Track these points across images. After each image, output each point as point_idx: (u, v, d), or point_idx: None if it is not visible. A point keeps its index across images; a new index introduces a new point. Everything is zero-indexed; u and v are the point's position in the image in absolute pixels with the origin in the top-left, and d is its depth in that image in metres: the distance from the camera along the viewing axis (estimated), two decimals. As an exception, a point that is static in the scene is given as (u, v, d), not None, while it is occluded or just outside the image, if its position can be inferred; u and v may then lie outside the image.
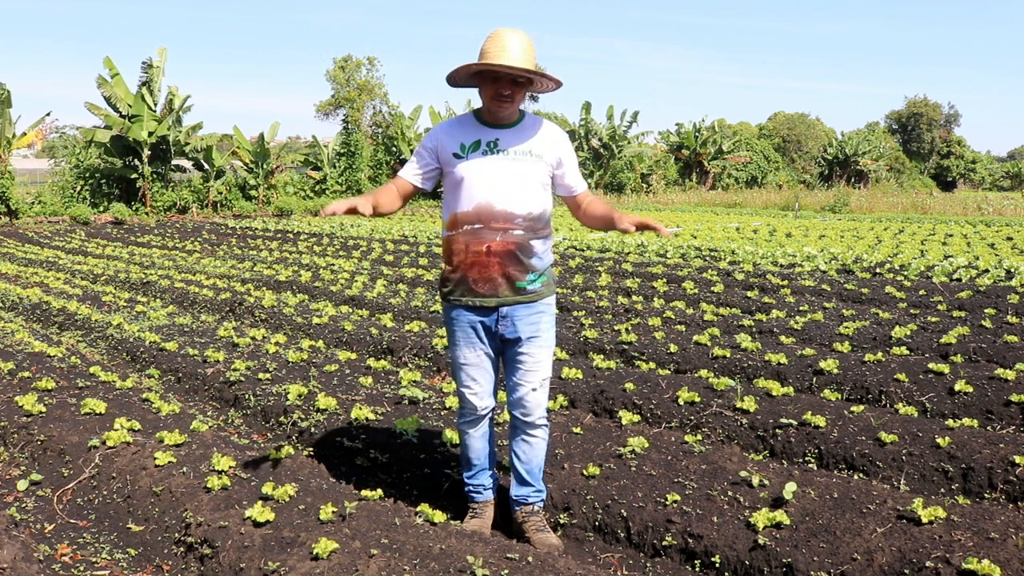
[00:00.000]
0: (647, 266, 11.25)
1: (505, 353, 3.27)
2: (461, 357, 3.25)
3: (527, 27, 3.08)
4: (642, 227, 2.98)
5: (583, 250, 13.78)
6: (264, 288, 9.99)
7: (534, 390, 3.25)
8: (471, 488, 3.47)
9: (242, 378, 5.52)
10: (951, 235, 18.48)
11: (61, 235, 19.82)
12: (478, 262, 3.10)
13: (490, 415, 3.39)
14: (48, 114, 26.88)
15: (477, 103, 3.23)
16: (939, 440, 3.86)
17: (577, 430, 4.27)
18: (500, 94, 3.03)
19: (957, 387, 4.68)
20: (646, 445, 3.97)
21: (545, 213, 3.19)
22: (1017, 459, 3.61)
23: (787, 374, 5.34)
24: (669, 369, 5.72)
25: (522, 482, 3.40)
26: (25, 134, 25.37)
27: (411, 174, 3.27)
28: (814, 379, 5.21)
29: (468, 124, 3.17)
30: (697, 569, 3.20)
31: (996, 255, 13.30)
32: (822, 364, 5.26)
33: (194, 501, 3.42)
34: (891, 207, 31.43)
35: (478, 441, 3.39)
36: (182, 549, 3.24)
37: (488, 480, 3.48)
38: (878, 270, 10.69)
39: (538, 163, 3.14)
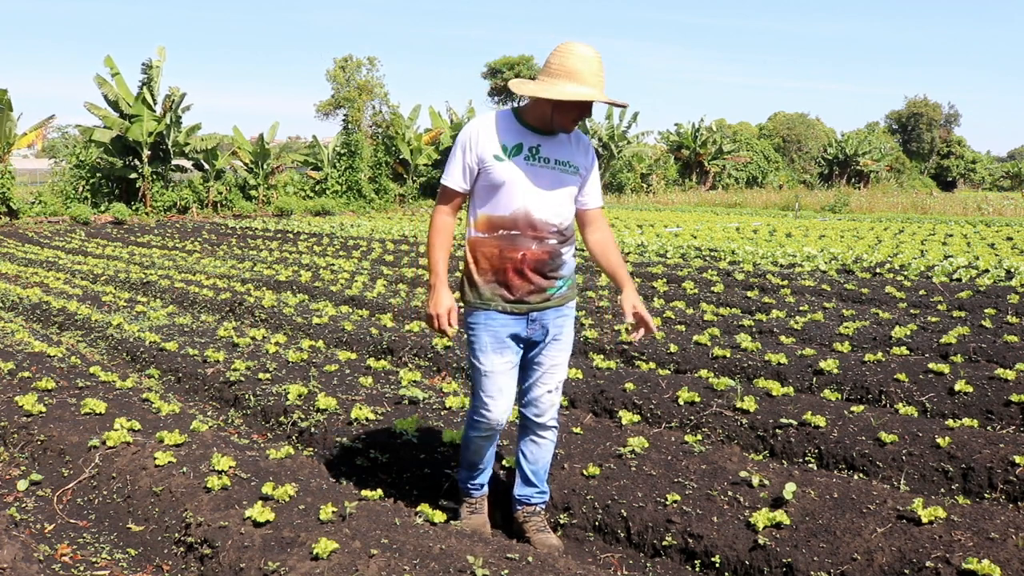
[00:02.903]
0: (647, 266, 11.25)
1: (525, 355, 3.24)
2: (488, 364, 3.13)
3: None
4: (638, 320, 3.17)
5: (582, 250, 13.77)
6: (264, 288, 9.99)
7: (550, 392, 3.24)
8: (471, 486, 3.47)
9: (242, 378, 5.52)
10: (951, 235, 18.48)
11: (61, 235, 19.82)
12: (513, 268, 3.05)
13: (503, 427, 3.30)
14: (52, 117, 26.72)
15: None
16: (939, 440, 3.85)
17: (577, 430, 4.27)
18: (581, 117, 2.99)
19: (957, 387, 4.68)
20: (646, 445, 3.97)
21: (572, 222, 3.19)
22: (1017, 459, 3.61)
23: (787, 374, 5.34)
24: (669, 369, 5.72)
25: (527, 482, 3.40)
26: (25, 134, 25.36)
27: (460, 182, 3.06)
28: (814, 379, 5.21)
29: (509, 124, 3.06)
30: (697, 569, 3.20)
31: (996, 255, 13.30)
32: (822, 364, 5.26)
33: (194, 501, 3.42)
34: (891, 207, 31.44)
35: (487, 449, 3.36)
36: (182, 549, 3.24)
37: (488, 477, 3.49)
38: (878, 270, 10.69)
39: (575, 175, 3.11)
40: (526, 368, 3.26)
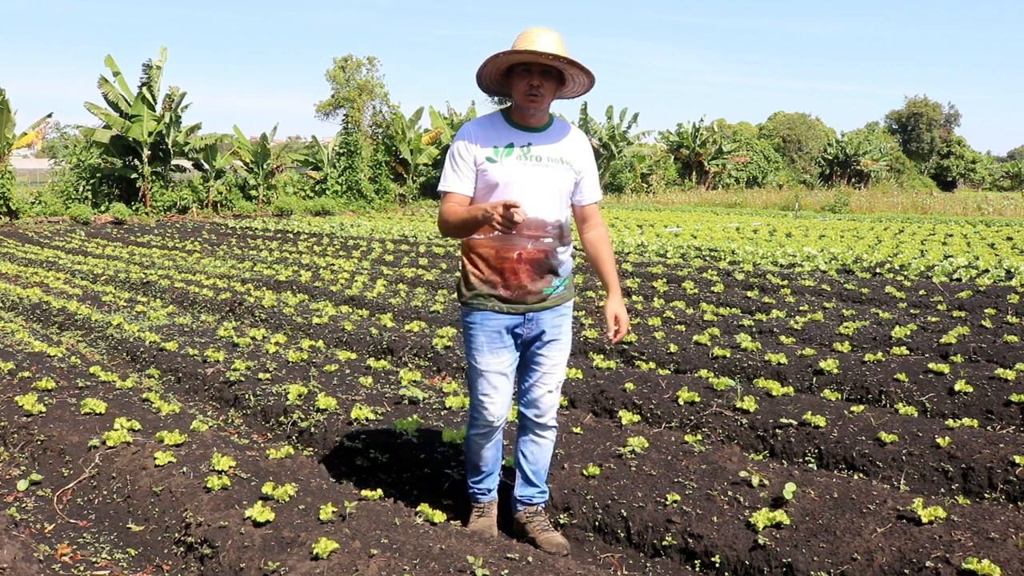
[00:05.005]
0: (647, 266, 11.25)
1: (524, 356, 3.24)
2: (483, 363, 3.15)
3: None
4: (615, 324, 3.21)
5: (582, 250, 13.77)
6: (264, 288, 9.99)
7: (550, 392, 3.25)
8: (477, 491, 3.45)
9: (242, 378, 5.52)
10: (951, 235, 18.48)
11: (61, 235, 19.81)
12: (508, 268, 3.05)
13: (503, 425, 3.31)
14: (49, 115, 26.68)
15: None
16: (939, 440, 3.86)
17: (577, 430, 4.27)
18: (531, 86, 2.95)
19: (957, 387, 4.68)
20: (646, 445, 3.97)
21: (568, 220, 3.19)
22: (1017, 459, 3.61)
23: (787, 374, 5.34)
24: (669, 369, 5.72)
25: (528, 483, 3.40)
26: (25, 134, 25.35)
27: (464, 187, 3.03)
28: (814, 379, 5.21)
29: (498, 125, 3.08)
30: (697, 569, 3.20)
31: (996, 255, 13.30)
32: (822, 364, 5.26)
33: (194, 501, 3.42)
34: (891, 207, 31.44)
35: (490, 451, 3.35)
36: (182, 549, 3.24)
37: (494, 483, 3.47)
38: (878, 270, 10.69)
39: (568, 171, 3.11)
40: (525, 368, 3.26)
